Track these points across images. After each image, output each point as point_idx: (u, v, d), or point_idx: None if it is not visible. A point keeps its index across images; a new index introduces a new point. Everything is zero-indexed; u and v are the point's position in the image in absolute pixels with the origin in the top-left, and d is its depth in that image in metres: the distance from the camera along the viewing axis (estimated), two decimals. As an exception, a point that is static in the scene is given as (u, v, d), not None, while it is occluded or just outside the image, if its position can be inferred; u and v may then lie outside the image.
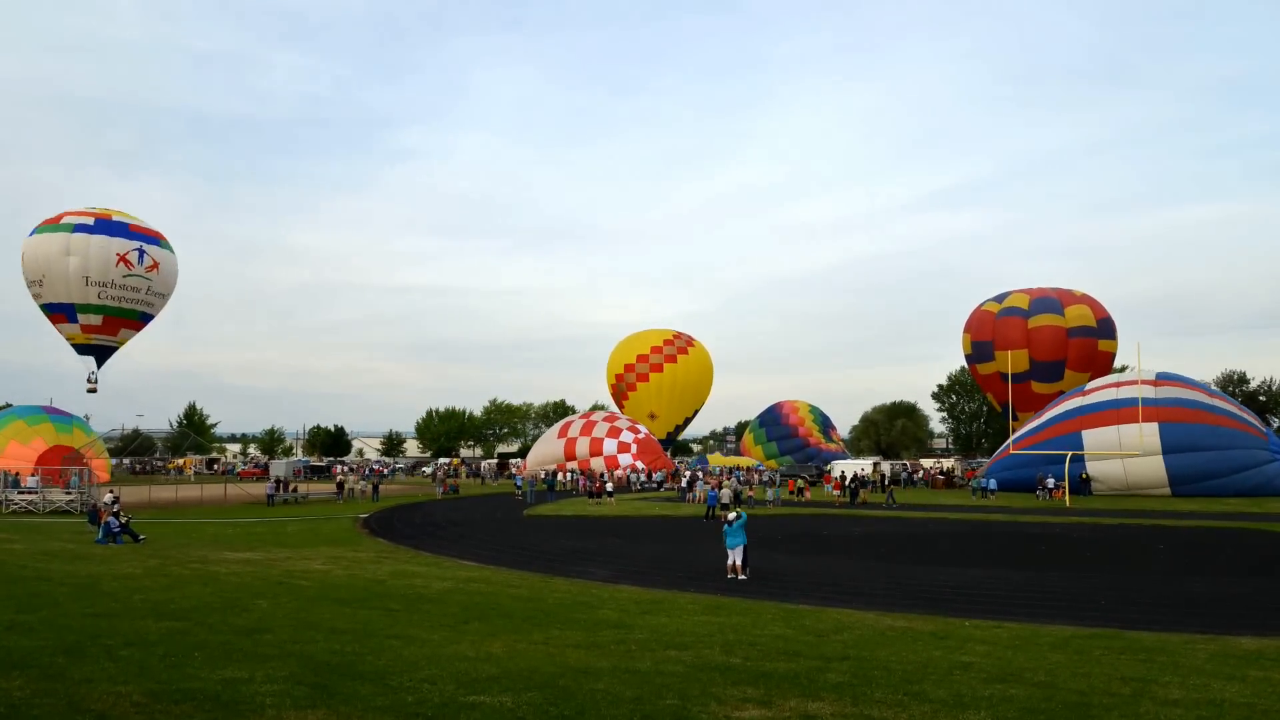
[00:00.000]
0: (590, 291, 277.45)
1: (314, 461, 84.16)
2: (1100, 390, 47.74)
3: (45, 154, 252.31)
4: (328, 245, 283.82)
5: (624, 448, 62.55)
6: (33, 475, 41.76)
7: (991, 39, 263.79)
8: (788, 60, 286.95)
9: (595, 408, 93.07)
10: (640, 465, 60.99)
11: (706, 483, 44.69)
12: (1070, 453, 43.55)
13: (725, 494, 33.87)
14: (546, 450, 65.91)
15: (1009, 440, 50.40)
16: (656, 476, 58.54)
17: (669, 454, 72.92)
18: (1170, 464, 42.60)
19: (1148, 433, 42.55)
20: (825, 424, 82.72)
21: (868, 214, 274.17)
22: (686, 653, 9.91)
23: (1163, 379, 46.25)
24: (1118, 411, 44.65)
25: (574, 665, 9.01)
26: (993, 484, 46.08)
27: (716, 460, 78.65)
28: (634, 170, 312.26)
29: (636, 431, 64.16)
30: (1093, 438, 44.80)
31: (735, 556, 17.83)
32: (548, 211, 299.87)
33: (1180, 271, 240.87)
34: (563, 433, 65.80)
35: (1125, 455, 42.98)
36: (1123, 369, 53.30)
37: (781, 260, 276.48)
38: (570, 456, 62.84)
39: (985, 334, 61.02)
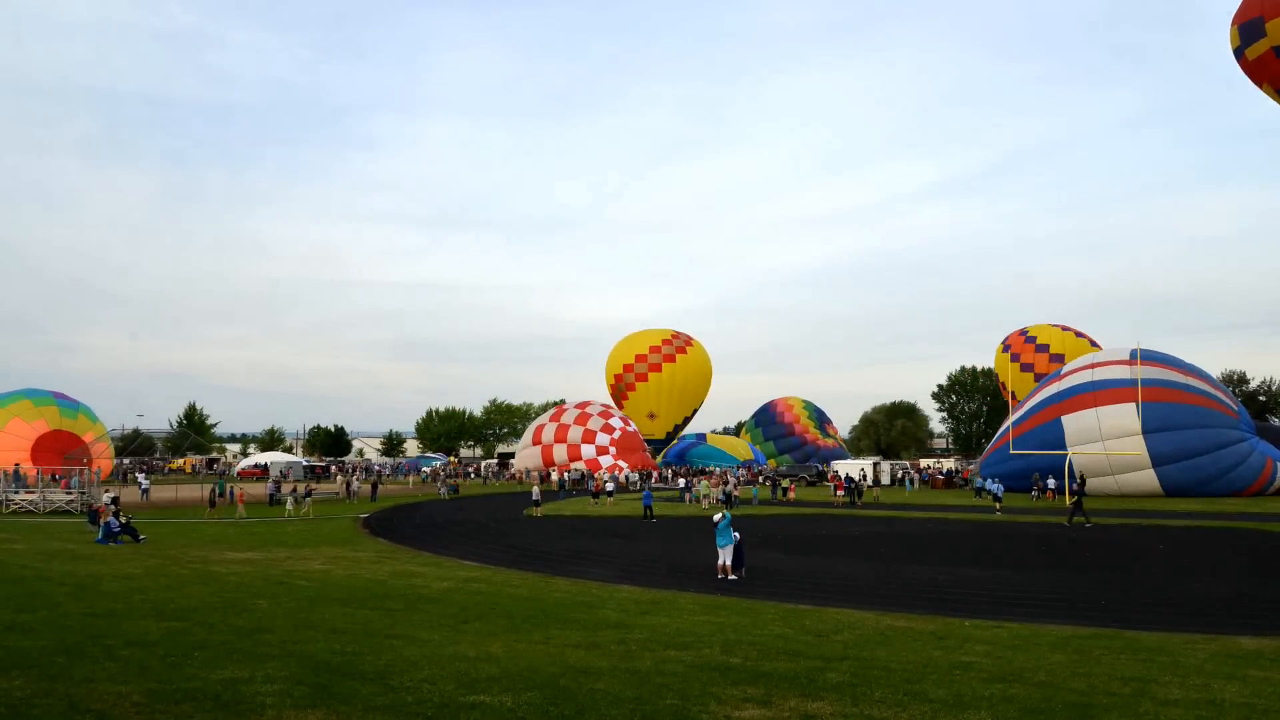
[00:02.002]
0: (581, 288, 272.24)
1: (312, 461, 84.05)
2: (1077, 373, 47.70)
3: (7, 143, 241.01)
4: (308, 238, 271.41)
5: (602, 450, 61.48)
6: (57, 475, 41.95)
7: (987, 18, 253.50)
8: (777, 37, 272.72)
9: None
10: (623, 465, 60.51)
11: (711, 483, 44.68)
12: (1070, 453, 43.55)
13: (716, 492, 33.94)
14: (526, 457, 64.56)
15: (1002, 428, 50.51)
16: (631, 475, 58.19)
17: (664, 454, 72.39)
18: (1151, 443, 42.84)
19: (1129, 413, 42.93)
20: (821, 419, 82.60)
21: (865, 206, 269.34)
22: (686, 653, 9.91)
23: (1140, 357, 46.22)
24: (1095, 394, 44.95)
25: (574, 665, 9.01)
26: (990, 484, 46.15)
27: (714, 441, 76.81)
28: (619, 157, 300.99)
29: (611, 431, 62.71)
30: (1073, 423, 44.90)
31: (725, 556, 17.89)
32: (533, 203, 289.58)
33: (1181, 269, 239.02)
34: (537, 438, 63.99)
35: (1115, 453, 43.08)
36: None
37: (779, 255, 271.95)
38: (549, 463, 61.81)
39: (1252, 11, 55.10)
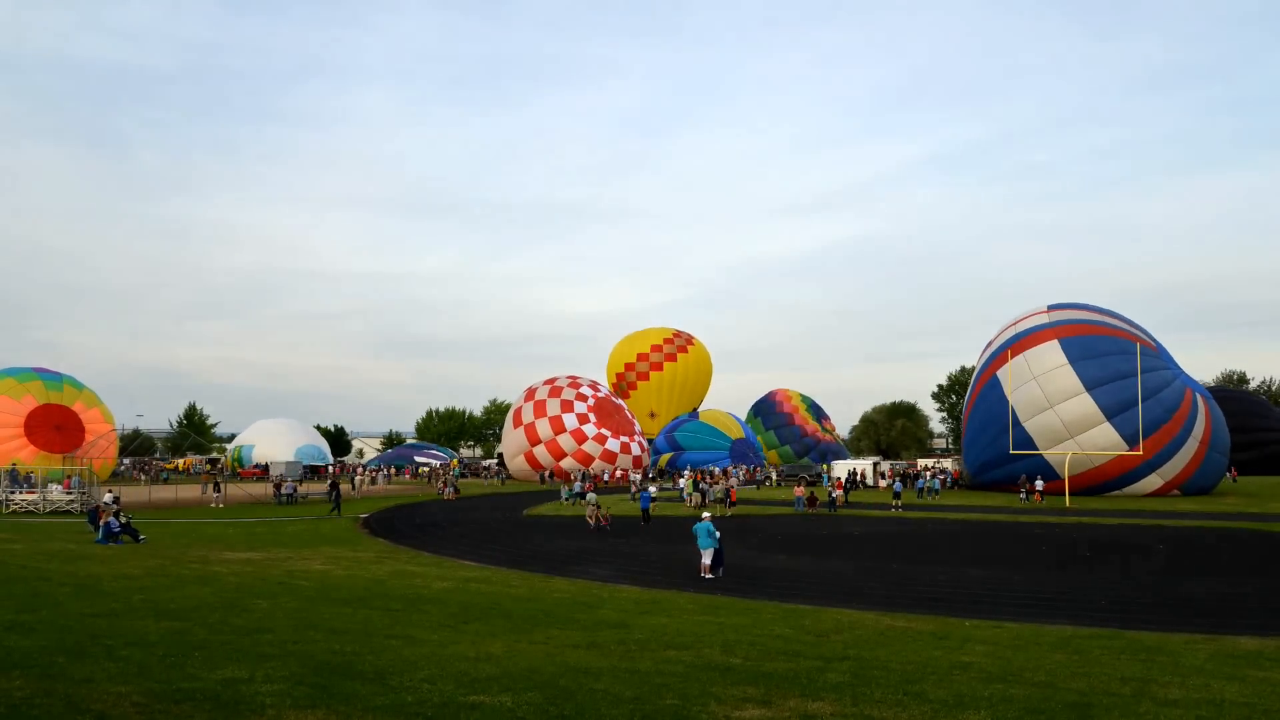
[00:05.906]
0: (575, 281, 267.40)
1: (315, 461, 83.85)
2: (1001, 334, 50.33)
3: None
4: (272, 225, 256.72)
5: (583, 418, 60.87)
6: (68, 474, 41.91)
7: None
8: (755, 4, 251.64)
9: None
10: (637, 461, 59.84)
11: (705, 482, 44.57)
12: (1070, 454, 43.60)
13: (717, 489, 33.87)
14: (512, 442, 63.92)
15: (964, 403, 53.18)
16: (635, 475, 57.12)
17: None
18: (1081, 372, 43.91)
19: (1053, 348, 45.11)
20: (819, 414, 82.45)
21: (862, 189, 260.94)
22: (686, 653, 9.91)
23: (1055, 307, 48.39)
24: (1018, 343, 47.06)
25: (574, 665, 9.01)
26: (935, 483, 47.10)
27: (704, 417, 74.86)
28: (602, 142, 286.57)
29: (585, 399, 62.11)
30: (1006, 374, 46.82)
31: (706, 557, 18.35)
32: (511, 190, 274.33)
33: (1182, 265, 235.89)
34: (517, 421, 63.25)
35: (1060, 413, 43.79)
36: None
37: (776, 250, 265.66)
38: (535, 442, 61.12)
39: None
